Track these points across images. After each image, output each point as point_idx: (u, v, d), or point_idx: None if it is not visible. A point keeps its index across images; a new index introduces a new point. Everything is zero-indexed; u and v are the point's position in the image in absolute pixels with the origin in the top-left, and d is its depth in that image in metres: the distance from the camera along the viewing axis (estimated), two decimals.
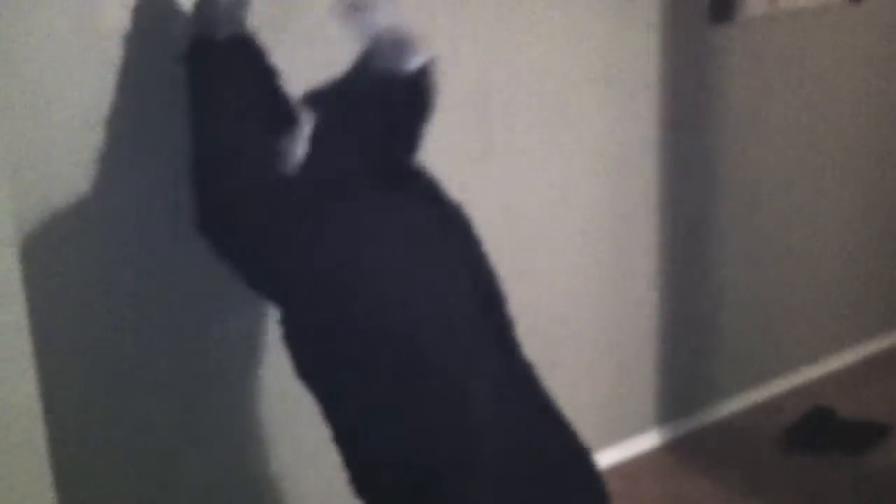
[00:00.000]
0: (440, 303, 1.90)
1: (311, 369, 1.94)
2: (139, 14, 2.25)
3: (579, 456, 2.05)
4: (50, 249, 2.29)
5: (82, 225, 2.35)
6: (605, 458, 3.55)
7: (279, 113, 2.06)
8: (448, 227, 2.03)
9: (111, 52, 2.27)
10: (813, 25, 3.87)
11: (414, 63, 1.96)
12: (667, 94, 3.50)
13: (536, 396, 2.05)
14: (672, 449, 3.77)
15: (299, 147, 1.96)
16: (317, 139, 1.95)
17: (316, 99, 2.02)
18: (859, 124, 4.20)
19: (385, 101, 1.98)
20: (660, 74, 3.48)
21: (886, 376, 4.27)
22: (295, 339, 1.94)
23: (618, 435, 3.67)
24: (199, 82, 2.04)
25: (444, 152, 2.37)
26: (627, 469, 3.60)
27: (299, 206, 1.91)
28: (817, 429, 3.76)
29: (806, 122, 4.00)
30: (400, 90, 1.97)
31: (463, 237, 2.05)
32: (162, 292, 2.50)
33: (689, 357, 3.86)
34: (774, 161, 3.94)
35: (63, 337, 2.35)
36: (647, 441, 3.77)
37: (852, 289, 4.40)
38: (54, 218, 2.29)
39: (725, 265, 3.88)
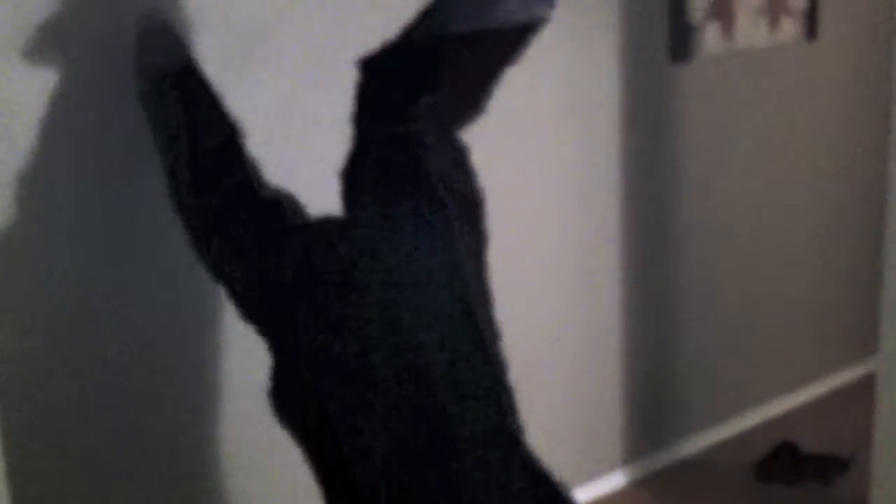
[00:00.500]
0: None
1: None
2: None
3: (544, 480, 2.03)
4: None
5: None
6: (579, 496, 3.52)
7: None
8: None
9: None
10: (769, 62, 3.95)
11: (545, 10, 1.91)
12: (628, 127, 3.55)
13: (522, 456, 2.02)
14: (642, 486, 3.76)
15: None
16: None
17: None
18: (818, 156, 4.28)
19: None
20: (621, 108, 3.53)
21: (848, 408, 4.30)
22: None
23: (586, 475, 3.64)
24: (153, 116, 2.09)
25: None
26: None
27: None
28: (784, 463, 3.78)
29: (767, 155, 4.06)
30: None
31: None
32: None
33: (655, 395, 3.87)
34: (737, 193, 3.99)
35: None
36: (616, 480, 3.75)
37: (816, 324, 4.45)
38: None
39: (691, 300, 3.90)
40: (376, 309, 1.81)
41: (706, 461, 3.94)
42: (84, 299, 2.43)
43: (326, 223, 1.92)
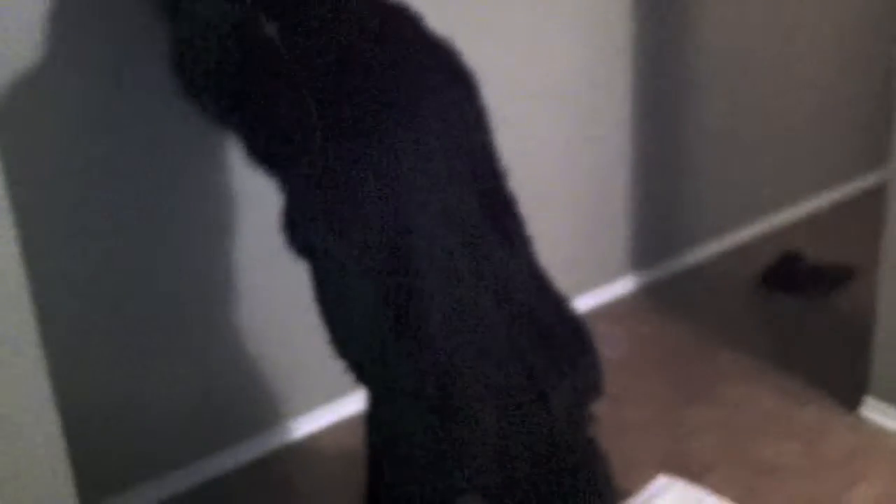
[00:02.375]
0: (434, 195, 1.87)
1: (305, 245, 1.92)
2: None
3: (570, 317, 2.09)
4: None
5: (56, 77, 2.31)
6: (585, 302, 3.63)
7: None
8: (451, 97, 1.95)
9: None
10: None
11: None
12: None
13: (533, 269, 2.07)
14: (648, 293, 3.85)
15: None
16: None
17: None
18: None
19: None
20: None
21: (852, 221, 4.36)
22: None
23: (595, 281, 3.73)
24: None
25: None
26: (606, 313, 3.68)
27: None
28: (788, 272, 3.85)
29: None
30: None
31: (466, 109, 1.99)
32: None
33: (663, 205, 3.91)
34: (751, 16, 3.90)
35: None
36: (624, 286, 3.85)
37: (821, 137, 4.45)
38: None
39: (701, 115, 3.88)
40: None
41: (712, 270, 4.03)
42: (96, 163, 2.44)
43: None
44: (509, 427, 1.89)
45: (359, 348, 1.92)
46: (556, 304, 2.05)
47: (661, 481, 2.11)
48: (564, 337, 2.06)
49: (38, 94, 2.30)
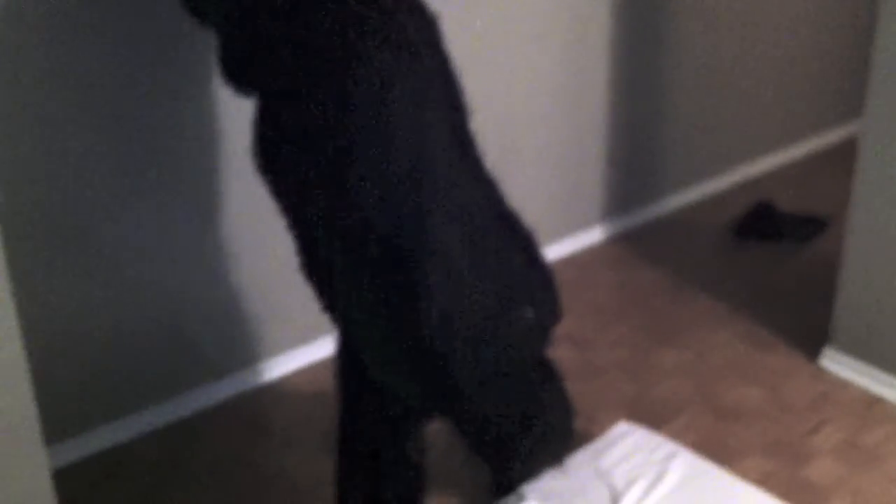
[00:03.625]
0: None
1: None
2: None
3: (535, 259, 2.11)
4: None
5: None
6: (559, 249, 3.65)
7: None
8: (429, 43, 1.93)
9: None
10: None
11: None
12: None
13: (497, 204, 2.08)
14: (621, 241, 3.88)
15: None
16: None
17: None
18: None
19: None
20: None
21: (825, 172, 4.39)
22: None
23: (567, 229, 3.75)
24: None
25: None
26: (580, 260, 3.71)
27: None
28: (761, 221, 3.89)
29: None
30: None
31: (438, 51, 1.97)
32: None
33: (637, 154, 3.92)
34: None
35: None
36: (597, 234, 3.87)
37: (794, 89, 4.46)
38: None
39: (675, 65, 3.88)
40: None
41: (685, 219, 4.06)
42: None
43: None
44: (478, 342, 1.91)
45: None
46: (523, 243, 2.07)
47: (622, 428, 2.14)
48: (528, 274, 2.08)
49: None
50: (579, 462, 2.03)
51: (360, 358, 2.01)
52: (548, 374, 2.08)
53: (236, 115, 2.67)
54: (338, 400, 2.17)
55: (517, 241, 2.05)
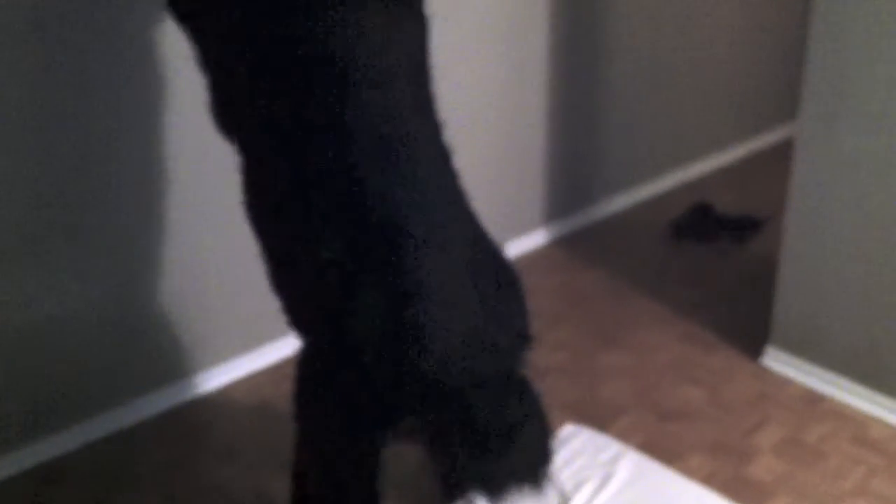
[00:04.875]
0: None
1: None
2: None
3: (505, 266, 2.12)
4: None
5: None
6: None
7: None
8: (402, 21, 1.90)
9: None
10: None
11: None
12: None
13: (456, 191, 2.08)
14: (563, 244, 3.89)
15: None
16: None
17: None
18: None
19: None
20: None
21: (762, 173, 4.45)
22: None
23: (510, 233, 3.74)
24: None
25: None
26: (522, 263, 3.63)
27: None
28: (699, 222, 3.93)
29: None
30: None
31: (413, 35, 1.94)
32: None
33: (577, 157, 3.93)
34: None
35: None
36: (539, 237, 3.87)
37: (731, 92, 4.51)
38: None
39: (614, 68, 3.90)
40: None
41: (624, 221, 4.08)
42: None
43: None
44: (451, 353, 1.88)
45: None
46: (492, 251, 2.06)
47: (568, 429, 2.13)
48: (499, 287, 2.07)
49: None
50: None
51: (326, 376, 1.95)
52: (523, 392, 2.02)
53: (187, 117, 2.63)
54: (297, 424, 2.08)
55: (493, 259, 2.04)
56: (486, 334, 1.90)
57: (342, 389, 1.95)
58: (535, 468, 1.90)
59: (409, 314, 1.78)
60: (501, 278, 2.06)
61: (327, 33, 1.73)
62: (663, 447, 2.63)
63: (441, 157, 2.02)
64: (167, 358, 2.86)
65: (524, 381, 2.01)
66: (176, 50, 2.50)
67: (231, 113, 1.92)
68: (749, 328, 3.17)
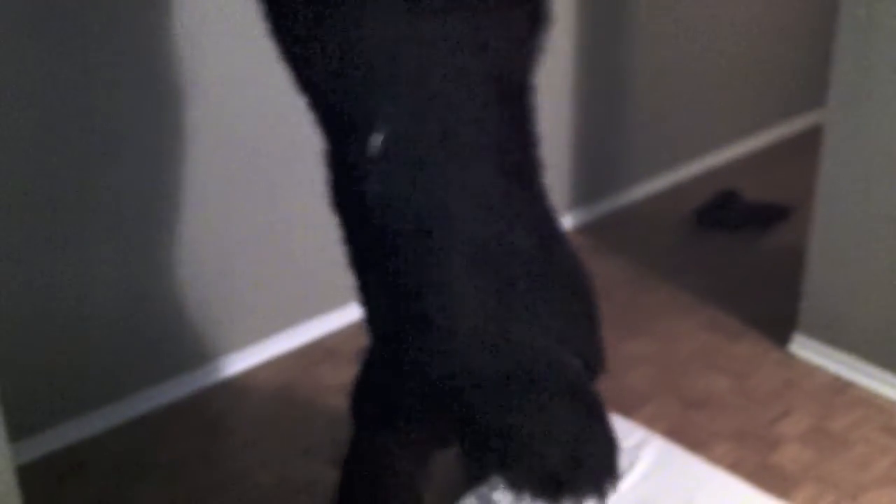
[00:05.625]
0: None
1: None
2: None
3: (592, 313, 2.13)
4: None
5: None
6: None
7: None
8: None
9: None
10: None
11: None
12: None
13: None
14: (587, 231, 3.86)
15: None
16: None
17: None
18: None
19: None
20: None
21: (789, 161, 4.40)
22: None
23: None
24: None
25: None
26: None
27: None
28: (724, 210, 3.88)
29: None
30: None
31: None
32: None
33: (601, 145, 3.90)
34: None
35: None
36: (563, 224, 3.84)
37: (756, 78, 4.46)
38: None
39: (639, 54, 3.87)
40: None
41: (648, 209, 4.04)
42: None
43: None
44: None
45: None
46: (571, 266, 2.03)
47: None
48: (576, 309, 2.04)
49: None
50: None
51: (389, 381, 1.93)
52: (591, 411, 1.98)
53: (207, 109, 2.63)
54: (353, 423, 2.06)
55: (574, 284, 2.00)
56: (488, 334, 1.84)
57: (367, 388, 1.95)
58: (598, 483, 1.86)
59: (415, 308, 1.76)
60: (561, 293, 1.99)
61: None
62: (688, 435, 2.61)
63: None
64: (189, 343, 2.86)
65: (584, 395, 1.96)
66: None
67: None
68: (775, 316, 3.14)
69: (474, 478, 1.99)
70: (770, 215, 3.85)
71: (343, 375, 2.21)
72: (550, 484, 1.81)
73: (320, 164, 1.80)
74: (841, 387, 2.84)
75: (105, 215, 2.58)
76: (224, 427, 2.76)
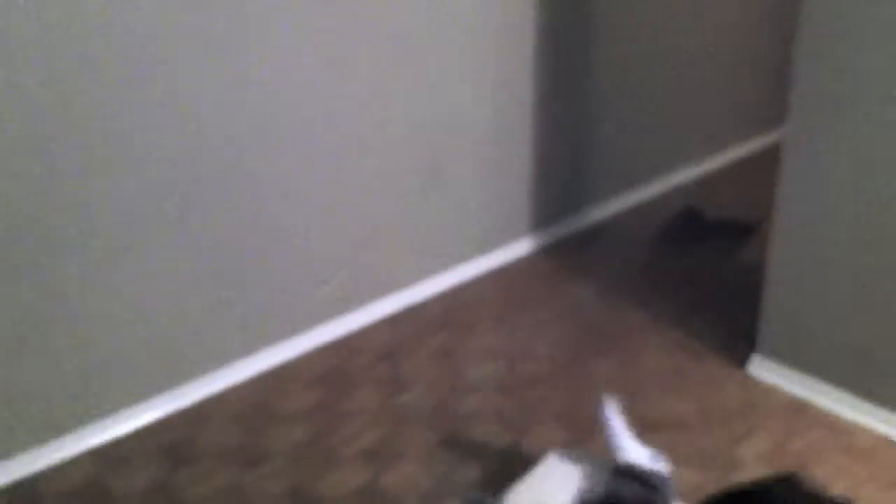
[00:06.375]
0: None
1: None
2: None
3: None
4: None
5: None
6: (489, 261, 3.63)
7: None
8: None
9: None
10: None
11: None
12: None
13: None
14: (550, 252, 3.86)
15: None
16: None
17: None
18: None
19: None
20: None
21: (753, 178, 4.43)
22: None
23: (497, 241, 3.73)
24: None
25: None
26: (510, 271, 3.69)
27: None
28: (687, 228, 3.90)
29: None
30: None
31: None
32: None
33: (564, 165, 3.91)
34: None
35: None
36: (526, 245, 3.85)
37: (719, 98, 4.50)
38: None
39: (602, 75, 3.89)
40: None
41: (613, 228, 4.06)
42: None
43: None
44: None
45: None
46: None
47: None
48: None
49: None
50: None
51: None
52: None
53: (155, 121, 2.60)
54: None
55: None
56: None
57: None
58: None
59: None
60: None
61: None
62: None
63: None
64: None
65: None
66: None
67: None
68: (737, 336, 3.15)
69: None
70: (733, 232, 3.87)
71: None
72: None
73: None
74: (801, 407, 2.85)
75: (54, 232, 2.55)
76: (183, 456, 2.73)
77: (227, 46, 2.64)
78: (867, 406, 2.76)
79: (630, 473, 2.00)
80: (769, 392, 2.92)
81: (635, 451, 2.10)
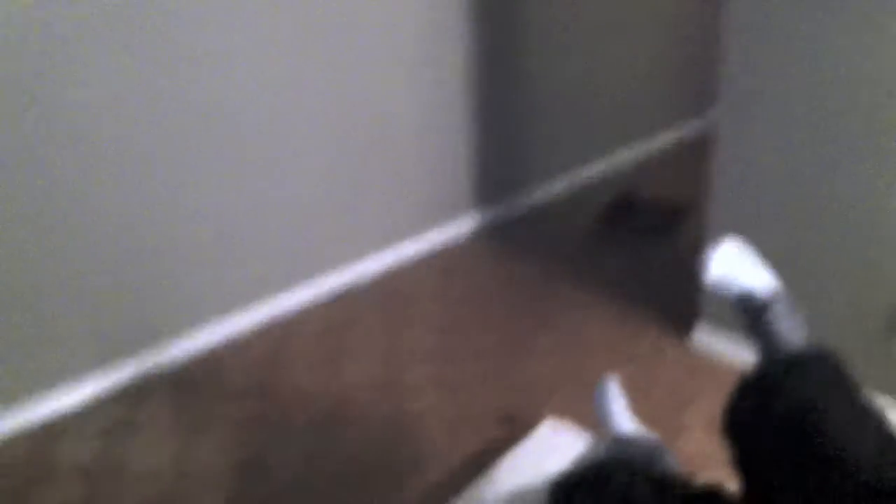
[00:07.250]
0: None
1: None
2: None
3: None
4: None
5: None
6: (430, 239, 3.62)
7: None
8: None
9: None
10: None
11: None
12: None
13: None
14: (491, 231, 3.88)
15: None
16: None
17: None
18: None
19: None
20: None
21: (688, 162, 4.51)
22: None
23: (440, 219, 3.72)
24: None
25: None
26: (451, 250, 3.69)
27: None
28: (625, 210, 3.95)
29: None
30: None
31: None
32: None
33: (504, 146, 3.93)
34: None
35: None
36: (466, 224, 3.86)
37: (654, 83, 4.57)
38: None
39: (541, 58, 3.92)
40: None
41: (552, 209, 4.08)
42: None
43: None
44: None
45: None
46: None
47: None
48: None
49: None
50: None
51: None
52: None
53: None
54: None
55: None
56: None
57: None
58: None
59: None
60: None
61: None
62: (595, 425, 2.62)
63: None
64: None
65: None
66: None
67: None
68: (678, 309, 3.19)
69: None
70: (669, 215, 3.93)
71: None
72: None
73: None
74: (741, 374, 2.90)
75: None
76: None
77: (155, 41, 2.59)
78: None
79: (630, 439, 2.02)
80: (711, 360, 2.97)
81: (631, 425, 2.13)
